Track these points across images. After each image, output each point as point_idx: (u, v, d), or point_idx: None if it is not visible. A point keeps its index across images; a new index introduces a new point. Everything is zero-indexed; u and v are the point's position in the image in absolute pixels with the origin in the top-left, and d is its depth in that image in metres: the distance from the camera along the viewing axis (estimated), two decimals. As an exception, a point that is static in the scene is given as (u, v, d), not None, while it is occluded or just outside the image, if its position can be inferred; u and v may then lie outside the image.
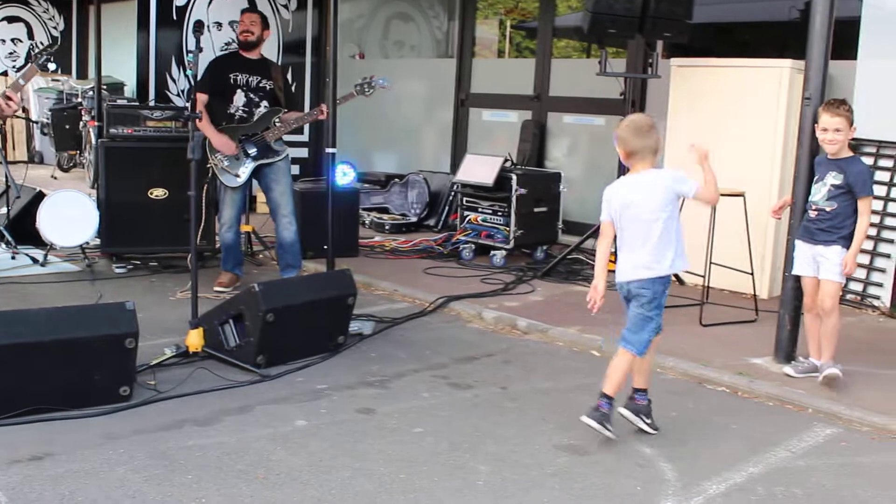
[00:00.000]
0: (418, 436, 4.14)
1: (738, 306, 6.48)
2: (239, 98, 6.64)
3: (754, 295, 6.37)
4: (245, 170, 6.55)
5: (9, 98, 5.03)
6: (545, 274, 7.31)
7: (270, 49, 10.54)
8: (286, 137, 6.68)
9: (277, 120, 6.56)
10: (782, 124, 6.73)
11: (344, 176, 8.87)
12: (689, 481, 3.77)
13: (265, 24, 6.78)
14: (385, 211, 9.67)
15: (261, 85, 6.67)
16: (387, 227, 9.11)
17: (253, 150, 6.55)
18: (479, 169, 7.95)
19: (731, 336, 5.87)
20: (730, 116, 6.95)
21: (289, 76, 10.24)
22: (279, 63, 10.19)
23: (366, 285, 6.82)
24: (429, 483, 3.65)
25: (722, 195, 6.22)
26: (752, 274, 6.32)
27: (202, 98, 6.48)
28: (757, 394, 4.88)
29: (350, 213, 7.88)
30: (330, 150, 6.01)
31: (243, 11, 7.06)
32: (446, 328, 6.05)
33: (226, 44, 10.11)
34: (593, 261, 7.44)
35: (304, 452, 3.90)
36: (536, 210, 7.89)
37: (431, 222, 9.35)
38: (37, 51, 5.26)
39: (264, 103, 6.65)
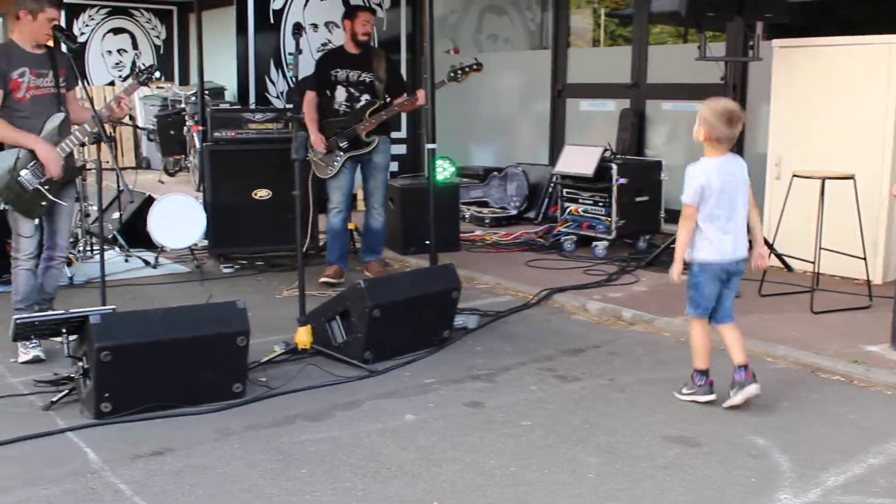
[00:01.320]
0: (527, 429, 4.14)
1: (850, 293, 6.28)
2: (341, 93, 6.83)
3: (867, 280, 6.17)
4: (337, 162, 6.78)
5: (121, 98, 5.25)
6: (649, 264, 7.22)
7: (366, 48, 10.63)
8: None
9: (369, 112, 6.70)
10: (894, 102, 6.49)
11: (443, 171, 8.90)
12: (805, 472, 3.68)
13: None
14: (485, 205, 9.67)
15: (361, 79, 6.82)
16: (487, 221, 9.11)
17: (344, 143, 6.75)
18: (579, 160, 7.88)
19: (844, 323, 5.70)
20: (836, 97, 6.74)
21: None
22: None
23: (468, 279, 6.83)
24: (539, 476, 3.65)
25: (830, 178, 6.08)
26: (864, 258, 6.12)
27: (310, 96, 6.86)
28: (874, 382, 4.72)
29: (450, 208, 7.90)
30: (430, 146, 6.02)
31: (361, 9, 7.17)
32: (551, 320, 6.02)
33: (322, 45, 10.22)
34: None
35: (413, 446, 3.93)
36: (638, 199, 7.79)
37: (531, 215, 9.31)
38: (139, 69, 5.45)
39: (365, 97, 6.81)
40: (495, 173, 9.86)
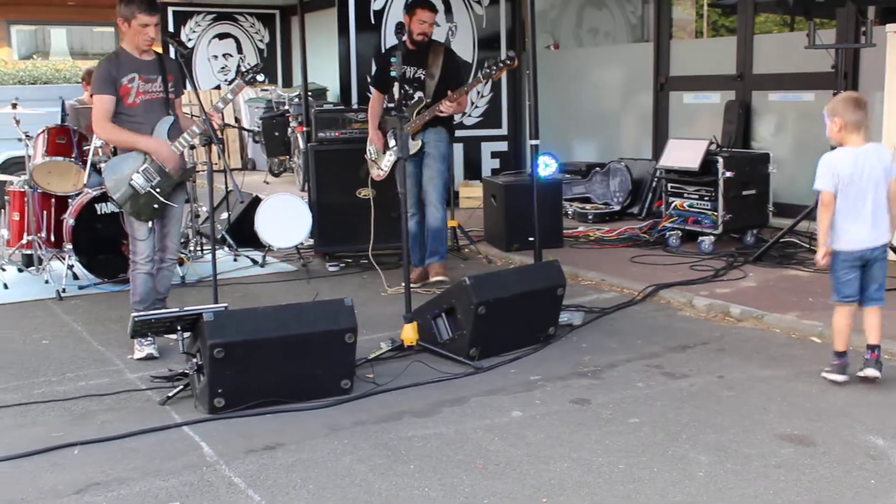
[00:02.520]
0: (635, 426, 4.09)
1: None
2: (397, 91, 6.45)
3: None
4: (387, 162, 6.72)
5: (211, 115, 5.30)
6: (757, 259, 7.05)
7: (465, 45, 10.67)
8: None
9: (417, 112, 6.52)
10: None
11: (546, 167, 8.86)
12: (929, 473, 3.55)
13: None
14: (587, 200, 9.60)
15: (416, 76, 6.63)
16: (590, 217, 9.03)
17: (392, 143, 6.65)
18: (683, 153, 7.75)
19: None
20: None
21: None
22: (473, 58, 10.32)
23: (573, 276, 6.78)
24: (648, 474, 3.60)
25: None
26: None
27: (375, 93, 6.87)
28: None
29: (553, 205, 7.85)
30: (533, 142, 6.01)
31: (421, 6, 6.64)
32: (657, 317, 5.94)
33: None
34: (808, 244, 7.19)
35: (521, 443, 3.93)
36: (745, 193, 7.62)
37: (635, 210, 9.20)
38: (244, 69, 5.55)
39: (418, 94, 6.62)
40: (598, 169, 9.77)
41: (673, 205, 7.88)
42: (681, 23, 10.60)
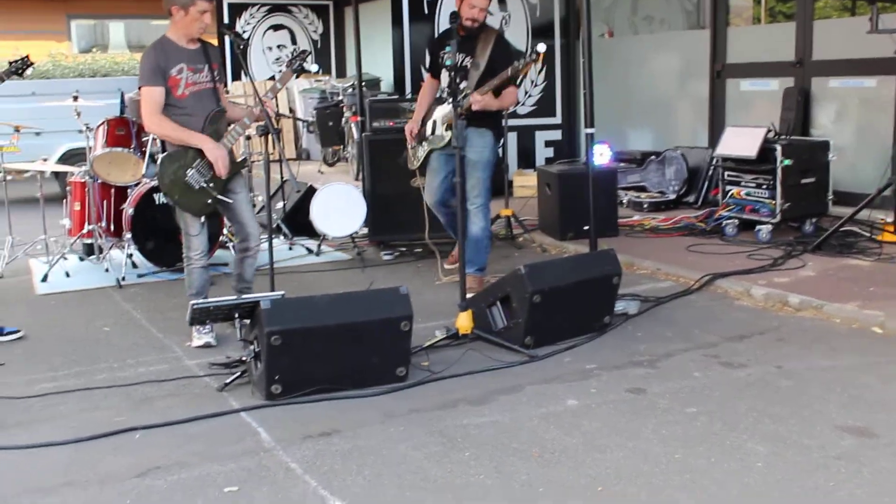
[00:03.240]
0: (691, 416, 4.05)
1: None
2: (444, 79, 6.16)
3: None
4: (420, 154, 6.53)
5: (265, 102, 5.24)
6: (816, 248, 6.93)
7: (518, 34, 10.63)
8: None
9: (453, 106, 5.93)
10: None
11: (600, 156, 8.80)
12: None
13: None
14: (642, 189, 9.51)
15: (463, 64, 6.15)
16: (645, 206, 8.96)
17: (428, 132, 6.49)
18: (741, 141, 7.65)
19: None
20: None
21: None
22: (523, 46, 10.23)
23: (628, 265, 6.72)
24: (706, 464, 3.57)
25: None
26: None
27: (426, 79, 6.65)
28: None
29: (608, 193, 7.79)
30: (588, 131, 5.95)
31: None
32: (713, 306, 5.88)
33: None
34: (868, 233, 7.05)
35: (577, 432, 3.92)
36: (803, 181, 7.49)
37: (691, 199, 9.10)
38: (291, 57, 5.51)
39: (464, 83, 6.14)
40: (653, 157, 9.68)
41: (730, 193, 7.78)
42: (737, 9, 10.44)
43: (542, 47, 5.71)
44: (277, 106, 5.62)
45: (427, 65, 6.66)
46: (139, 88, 5.36)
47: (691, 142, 9.89)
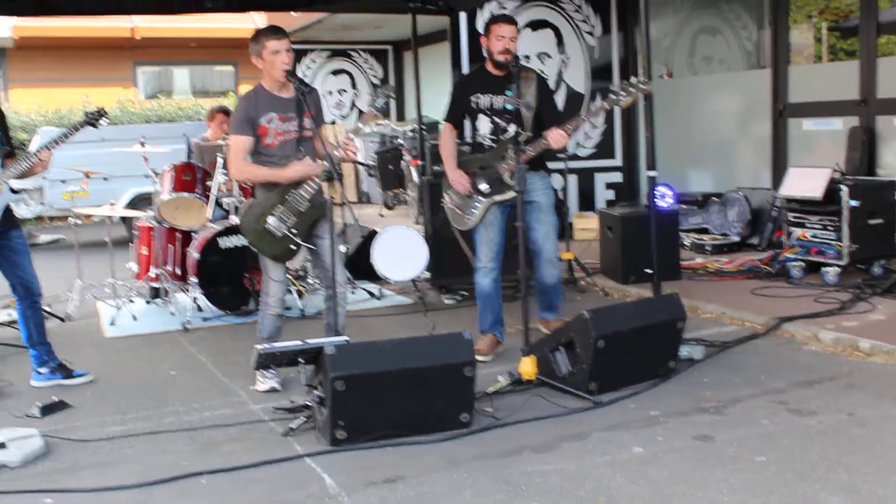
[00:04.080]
0: (761, 465, 3.97)
1: None
2: (484, 124, 5.79)
3: None
4: (476, 209, 5.79)
5: (347, 143, 5.24)
6: (886, 290, 6.78)
7: (577, 76, 10.67)
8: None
9: (514, 150, 5.48)
10: None
11: (662, 198, 8.75)
12: None
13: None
14: (705, 231, 9.42)
15: (507, 106, 5.68)
16: (707, 248, 8.87)
17: (484, 186, 5.74)
18: (805, 182, 7.55)
19: None
20: None
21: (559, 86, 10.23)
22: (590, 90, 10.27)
23: (692, 308, 6.64)
24: (778, 515, 3.50)
25: None
26: None
27: (446, 129, 5.99)
28: None
29: (670, 236, 7.74)
30: (650, 173, 5.92)
31: (495, 21, 5.74)
32: (781, 351, 5.78)
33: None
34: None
35: (643, 480, 3.86)
36: (871, 222, 7.36)
37: (754, 241, 8.99)
38: (375, 94, 5.52)
39: (512, 127, 5.65)
40: (715, 199, 9.60)
41: (795, 235, 7.67)
42: (798, 47, 10.36)
43: (644, 79, 5.45)
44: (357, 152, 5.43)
45: (448, 112, 6.05)
46: (222, 135, 5.40)
47: (753, 183, 9.79)
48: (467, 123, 6.01)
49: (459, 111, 5.94)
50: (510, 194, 5.61)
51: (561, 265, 6.61)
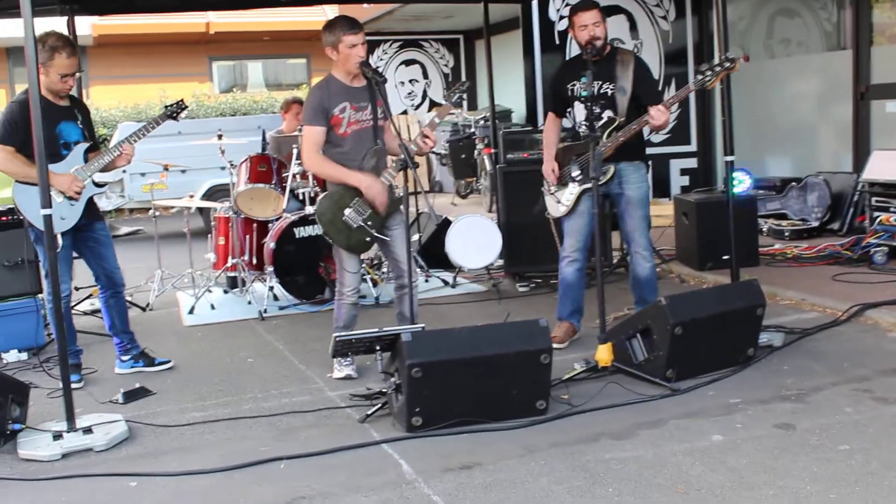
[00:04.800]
0: (845, 453, 3.88)
1: None
2: (579, 111, 5.75)
3: None
4: (568, 197, 5.75)
5: (426, 136, 5.24)
6: (974, 276, 6.60)
7: (651, 61, 10.50)
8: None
9: (607, 134, 5.51)
10: None
11: (740, 183, 8.60)
12: None
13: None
14: (783, 217, 9.24)
15: (601, 91, 5.62)
16: (786, 234, 8.69)
17: (577, 173, 5.70)
18: (890, 165, 7.36)
19: None
20: None
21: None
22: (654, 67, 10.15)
23: (771, 295, 6.50)
24: (863, 504, 3.42)
25: None
26: None
27: (549, 118, 6.05)
28: None
29: (748, 222, 7.60)
30: (727, 158, 5.80)
31: (577, 9, 5.65)
32: (864, 338, 5.64)
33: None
34: None
35: (723, 468, 3.80)
36: (958, 206, 7.16)
37: (835, 226, 8.79)
38: (451, 90, 5.52)
39: (607, 113, 5.61)
40: (794, 184, 9.40)
41: (878, 219, 7.48)
42: (880, 27, 10.06)
43: (732, 55, 5.32)
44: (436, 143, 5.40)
45: (549, 103, 6.12)
46: (296, 127, 5.43)
47: (834, 167, 9.56)
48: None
49: (558, 100, 5.95)
50: (604, 179, 5.55)
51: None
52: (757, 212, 8.17)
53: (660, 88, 10.56)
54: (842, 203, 8.83)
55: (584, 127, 5.70)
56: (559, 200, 5.82)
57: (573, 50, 9.98)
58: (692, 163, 10.87)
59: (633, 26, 10.56)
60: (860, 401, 4.51)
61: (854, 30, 9.58)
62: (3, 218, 6.42)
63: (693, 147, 10.90)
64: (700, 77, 5.39)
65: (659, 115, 5.34)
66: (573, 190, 5.74)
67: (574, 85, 5.73)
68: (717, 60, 5.37)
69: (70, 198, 5.35)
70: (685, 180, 10.79)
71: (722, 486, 3.63)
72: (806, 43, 10.85)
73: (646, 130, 5.64)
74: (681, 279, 7.60)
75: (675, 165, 10.83)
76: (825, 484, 3.60)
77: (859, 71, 9.44)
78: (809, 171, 9.51)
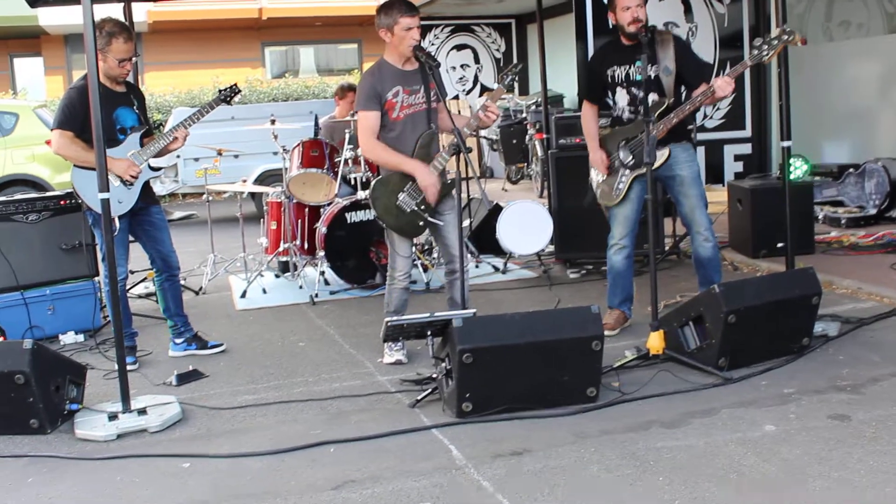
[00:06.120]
0: (902, 446, 3.82)
1: None
2: (621, 97, 5.66)
3: None
4: (623, 184, 5.65)
5: (489, 109, 5.16)
6: None
7: (707, 45, 10.37)
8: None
9: (656, 116, 5.38)
10: None
11: (795, 169, 8.47)
12: None
13: None
14: (839, 204, 9.08)
15: (638, 77, 5.41)
16: (843, 222, 8.54)
17: (628, 159, 5.61)
18: (951, 151, 7.19)
19: None
20: None
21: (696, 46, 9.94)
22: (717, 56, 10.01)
23: (826, 284, 6.38)
24: (921, 498, 3.36)
25: None
26: None
27: (585, 106, 5.89)
28: None
29: (804, 209, 7.47)
30: (785, 144, 5.71)
31: None
32: (923, 328, 5.54)
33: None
34: None
35: (776, 459, 3.76)
36: None
37: (893, 213, 8.61)
38: (503, 73, 5.48)
39: (652, 97, 5.40)
40: (851, 170, 9.22)
41: (939, 207, 7.33)
42: (944, 8, 9.84)
43: (789, 28, 5.15)
44: (498, 116, 5.35)
45: (585, 90, 5.97)
46: (355, 112, 5.40)
47: (893, 153, 9.36)
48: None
49: (597, 87, 5.80)
50: (659, 162, 5.42)
51: (688, 239, 6.32)
52: (813, 199, 8.03)
53: (714, 72, 10.43)
54: (901, 190, 8.64)
55: (627, 112, 5.65)
56: (611, 188, 5.72)
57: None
58: (746, 149, 10.68)
59: (689, 9, 10.39)
60: (919, 393, 4.43)
61: (916, 12, 9.37)
62: (62, 202, 6.52)
63: (748, 133, 10.70)
64: (756, 52, 5.22)
65: (726, 85, 5.20)
66: (626, 176, 5.65)
67: (615, 69, 5.63)
68: (774, 34, 5.22)
69: (126, 182, 5.42)
70: (739, 166, 10.60)
71: (775, 477, 3.59)
72: (866, 25, 10.63)
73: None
74: (734, 266, 7.50)
75: (729, 151, 10.65)
76: (881, 477, 3.54)
77: (921, 54, 9.23)
78: (867, 157, 9.32)
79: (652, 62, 5.41)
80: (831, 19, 10.96)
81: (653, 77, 5.43)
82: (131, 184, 5.45)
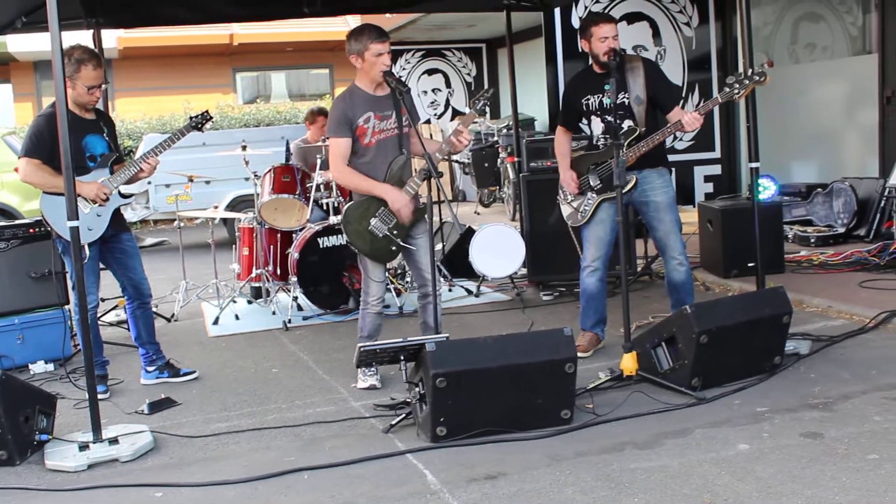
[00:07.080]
0: (874, 463, 3.84)
1: None
2: (596, 125, 5.75)
3: None
4: (588, 205, 5.73)
5: (460, 134, 5.23)
6: None
7: (675, 68, 10.49)
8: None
9: (627, 143, 5.49)
10: None
11: (764, 190, 8.55)
12: None
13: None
14: (808, 223, 9.17)
15: (618, 102, 5.52)
16: (812, 241, 8.62)
17: (597, 183, 5.69)
18: (917, 170, 7.29)
19: None
20: None
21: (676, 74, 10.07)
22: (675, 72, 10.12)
23: (797, 302, 6.46)
24: (893, 514, 3.38)
25: None
26: None
27: (559, 132, 5.98)
28: None
29: (773, 229, 7.56)
30: (753, 165, 5.77)
31: (595, 22, 5.61)
32: (892, 345, 5.57)
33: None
34: None
35: (750, 478, 3.77)
36: None
37: (861, 232, 8.70)
38: (475, 98, 5.51)
39: (627, 123, 5.58)
40: (819, 189, 9.33)
41: (905, 225, 7.42)
42: (905, 32, 10.00)
43: (762, 68, 5.26)
44: (471, 142, 5.40)
45: (560, 116, 6.03)
46: (320, 137, 5.43)
47: (860, 172, 9.48)
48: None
49: (572, 116, 5.89)
50: (627, 186, 5.46)
51: (659, 260, 6.38)
52: (782, 218, 8.13)
53: (682, 95, 10.53)
54: (868, 209, 8.74)
55: (602, 140, 5.72)
56: (577, 209, 5.81)
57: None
58: (716, 169, 10.82)
59: (656, 33, 10.53)
60: (889, 409, 4.46)
61: (880, 34, 9.51)
62: (31, 230, 6.48)
63: (717, 154, 10.84)
64: (728, 90, 5.34)
65: (694, 121, 5.41)
66: (592, 199, 5.72)
67: (589, 98, 5.72)
68: (747, 72, 5.32)
69: (96, 203, 5.39)
70: (709, 187, 10.74)
71: (749, 496, 3.60)
72: (831, 47, 10.79)
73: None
74: (705, 287, 7.56)
75: (699, 172, 10.78)
76: (854, 494, 3.56)
77: (885, 75, 9.37)
78: (835, 177, 9.43)
79: (622, 89, 5.53)
80: (797, 42, 11.11)
81: (627, 104, 5.56)
82: (102, 206, 5.42)
